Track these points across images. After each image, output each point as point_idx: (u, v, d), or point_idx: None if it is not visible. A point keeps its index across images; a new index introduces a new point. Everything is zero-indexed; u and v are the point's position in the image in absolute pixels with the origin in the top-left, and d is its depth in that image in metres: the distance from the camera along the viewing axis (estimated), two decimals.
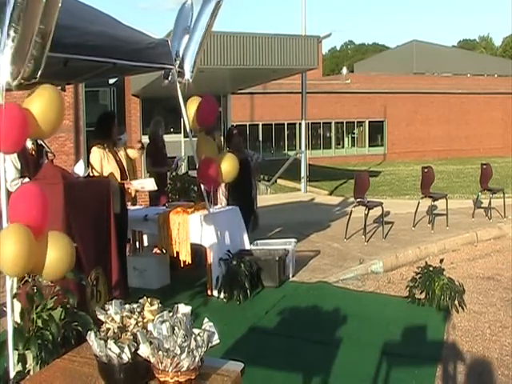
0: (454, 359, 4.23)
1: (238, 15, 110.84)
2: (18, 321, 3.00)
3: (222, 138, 9.39)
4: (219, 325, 1.91)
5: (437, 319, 5.03)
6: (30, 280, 2.99)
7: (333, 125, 29.36)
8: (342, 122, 29.55)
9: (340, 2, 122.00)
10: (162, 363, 1.68)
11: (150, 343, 1.69)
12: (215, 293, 5.59)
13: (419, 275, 5.42)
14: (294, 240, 6.68)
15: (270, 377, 3.84)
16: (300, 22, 15.30)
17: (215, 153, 5.94)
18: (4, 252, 2.70)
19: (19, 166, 4.53)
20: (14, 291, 3.00)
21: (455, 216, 9.60)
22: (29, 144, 4.75)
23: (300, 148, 18.10)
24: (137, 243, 6.59)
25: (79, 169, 4.61)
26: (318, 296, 5.63)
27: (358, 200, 8.36)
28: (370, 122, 29.88)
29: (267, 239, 7.02)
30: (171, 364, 1.67)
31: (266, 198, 13.11)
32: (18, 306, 3.06)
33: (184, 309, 1.84)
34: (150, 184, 5.72)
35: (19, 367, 2.88)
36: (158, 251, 6.25)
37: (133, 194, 5.99)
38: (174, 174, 8.17)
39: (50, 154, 5.47)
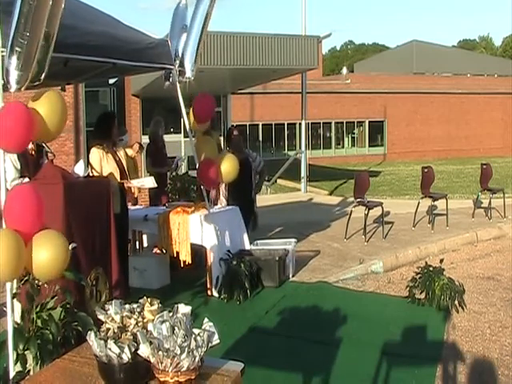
0: (453, 359, 4.23)
1: (238, 15, 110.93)
2: (18, 321, 3.00)
3: (222, 138, 9.40)
4: (219, 325, 1.91)
5: (437, 319, 5.03)
6: (30, 280, 2.99)
7: (333, 125, 29.35)
8: (342, 122, 29.54)
9: (340, 2, 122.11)
10: (162, 363, 1.68)
11: (150, 343, 1.69)
12: (215, 293, 5.59)
13: (419, 275, 5.42)
14: (293, 240, 6.68)
15: (269, 377, 3.84)
16: (300, 21, 15.33)
17: (215, 153, 5.94)
18: None
19: (19, 166, 4.54)
20: (14, 291, 3.00)
21: (455, 216, 9.60)
22: (29, 144, 4.75)
23: (300, 148, 18.09)
24: (137, 243, 6.59)
25: (79, 169, 4.61)
26: (317, 296, 5.63)
27: (358, 200, 8.36)
28: (369, 121, 29.87)
29: (267, 239, 7.02)
30: (171, 364, 1.67)
31: (265, 197, 13.10)
32: (18, 306, 3.06)
33: (184, 309, 1.84)
34: (149, 182, 5.72)
35: (19, 367, 2.88)
36: (158, 251, 6.25)
37: (136, 194, 5.99)
38: (174, 174, 8.17)
39: (49, 154, 5.48)
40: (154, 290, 5.57)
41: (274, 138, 27.87)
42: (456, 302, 5.19)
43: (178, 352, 1.67)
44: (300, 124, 17.86)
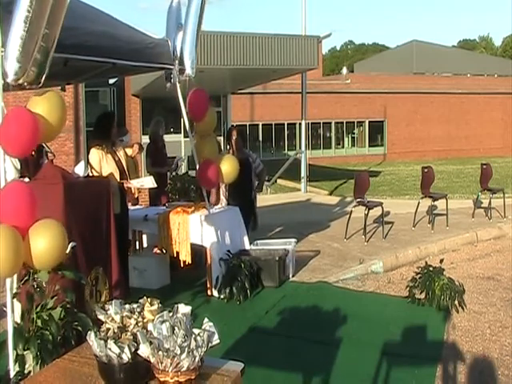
0: (454, 359, 4.23)
1: (238, 15, 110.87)
2: (18, 321, 3.00)
3: (222, 138, 9.39)
4: (219, 325, 1.91)
5: (437, 319, 5.03)
6: (30, 279, 2.99)
7: (333, 125, 29.35)
8: (342, 122, 29.54)
9: (340, 2, 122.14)
10: (162, 363, 1.68)
11: (150, 343, 1.69)
12: (215, 293, 5.59)
13: (419, 275, 5.42)
14: (293, 240, 6.68)
15: (269, 377, 3.84)
16: (300, 22, 15.33)
17: (215, 153, 5.94)
18: None
19: (19, 166, 4.53)
20: (14, 291, 3.00)
21: (455, 216, 9.60)
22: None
23: (300, 148, 18.09)
24: (137, 243, 6.59)
25: (79, 169, 4.61)
26: (318, 296, 5.63)
27: (358, 200, 8.36)
28: (369, 122, 29.87)
29: (267, 239, 7.02)
30: (171, 364, 1.67)
31: (265, 197, 13.10)
32: (18, 305, 3.05)
33: (184, 309, 1.84)
34: (149, 182, 5.71)
35: (19, 367, 2.88)
36: (158, 251, 6.25)
37: (136, 194, 5.99)
38: (174, 174, 8.17)
39: (49, 154, 5.49)
40: (154, 290, 5.57)
41: (274, 138, 27.88)
42: (456, 302, 5.19)
43: (178, 352, 1.67)
44: (300, 124, 17.85)
